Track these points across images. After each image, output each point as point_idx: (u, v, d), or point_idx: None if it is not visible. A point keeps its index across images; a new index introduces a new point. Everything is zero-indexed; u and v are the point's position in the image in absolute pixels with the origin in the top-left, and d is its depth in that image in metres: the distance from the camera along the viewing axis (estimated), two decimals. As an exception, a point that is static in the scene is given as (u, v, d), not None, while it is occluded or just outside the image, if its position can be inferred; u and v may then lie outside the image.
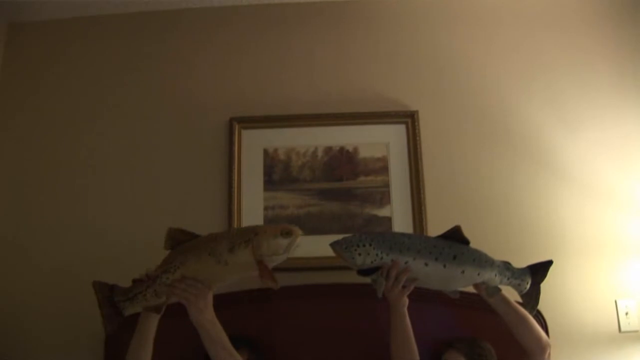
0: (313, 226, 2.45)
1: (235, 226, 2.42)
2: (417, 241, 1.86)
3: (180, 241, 1.79)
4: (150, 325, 1.80)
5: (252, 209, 2.48)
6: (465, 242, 1.88)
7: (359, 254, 1.79)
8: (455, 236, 1.88)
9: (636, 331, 2.31)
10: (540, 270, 1.95)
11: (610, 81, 2.61)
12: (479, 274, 1.84)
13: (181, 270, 1.73)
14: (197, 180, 2.53)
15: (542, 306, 2.10)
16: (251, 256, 1.69)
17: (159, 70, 2.69)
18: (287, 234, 1.71)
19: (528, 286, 1.92)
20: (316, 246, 2.25)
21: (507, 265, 1.92)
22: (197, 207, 2.48)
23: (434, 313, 2.19)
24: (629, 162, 2.50)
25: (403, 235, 1.97)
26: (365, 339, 2.19)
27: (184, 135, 2.59)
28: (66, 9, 2.71)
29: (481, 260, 1.86)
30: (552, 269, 1.97)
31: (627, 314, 2.32)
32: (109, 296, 1.79)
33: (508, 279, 1.90)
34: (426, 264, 1.80)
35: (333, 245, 1.84)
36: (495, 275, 1.87)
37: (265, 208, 2.49)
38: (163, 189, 2.52)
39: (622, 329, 2.31)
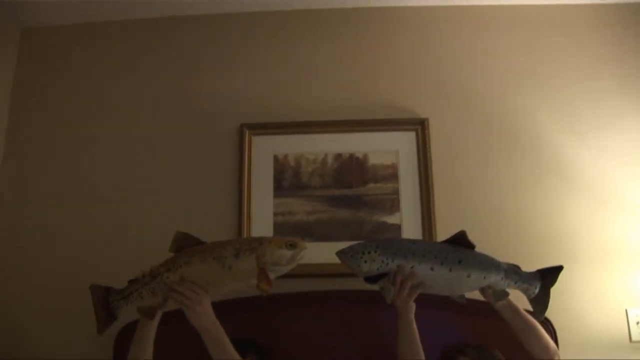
0: (322, 233, 2.46)
1: (245, 232, 2.44)
2: (422, 246, 1.88)
3: (185, 245, 1.82)
4: (149, 331, 1.82)
5: (262, 214, 2.49)
6: (471, 247, 1.88)
7: (365, 261, 1.81)
8: (460, 241, 1.88)
9: (647, 341, 2.29)
10: (550, 275, 1.94)
11: (620, 88, 2.60)
12: (484, 278, 1.84)
13: (183, 270, 1.76)
14: (207, 185, 2.55)
15: (551, 315, 2.11)
16: (254, 263, 1.72)
17: (171, 76, 2.72)
18: (292, 246, 1.75)
19: (537, 290, 1.91)
20: (326, 253, 2.22)
21: (515, 269, 1.92)
22: (207, 213, 2.49)
23: (443, 320, 2.19)
24: (638, 168, 2.49)
25: (408, 240, 1.99)
26: (374, 345, 2.19)
27: (194, 141, 2.61)
28: (77, 15, 2.75)
29: (487, 263, 1.86)
30: (561, 276, 1.96)
31: (638, 323, 2.29)
32: (104, 297, 1.85)
33: (515, 282, 1.89)
34: (432, 269, 1.81)
35: (339, 254, 1.86)
36: (502, 278, 1.87)
37: (275, 214, 2.50)
38: (173, 194, 2.54)
39: (633, 338, 2.29)
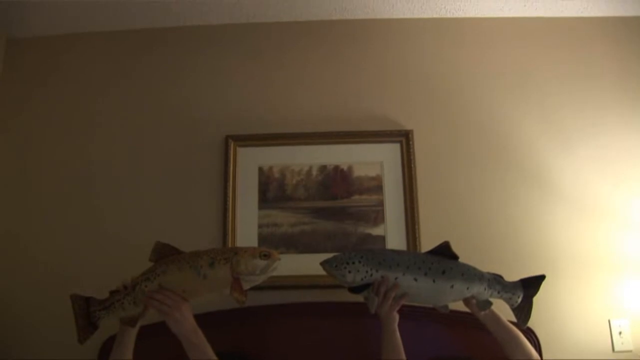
0: (306, 244, 2.46)
1: (230, 244, 2.44)
2: (406, 257, 1.89)
3: (164, 255, 1.85)
4: (128, 340, 1.83)
5: (247, 226, 2.49)
6: (454, 257, 1.90)
7: (349, 272, 1.82)
8: (444, 252, 1.90)
9: (630, 351, 2.30)
10: (532, 284, 1.97)
11: (604, 99, 2.63)
12: (468, 288, 1.86)
13: (160, 278, 1.79)
14: (192, 197, 2.54)
15: (535, 325, 2.13)
16: (229, 273, 1.76)
17: (156, 87, 2.71)
18: (266, 256, 1.78)
19: (520, 300, 1.93)
20: (310, 264, 2.24)
21: (497, 279, 1.93)
22: (192, 224, 2.49)
23: (428, 331, 2.19)
24: (622, 179, 2.51)
25: (392, 251, 1.99)
26: (358, 356, 2.18)
27: (179, 152, 2.61)
28: (63, 25, 2.75)
29: (470, 274, 1.88)
30: (545, 287, 1.98)
31: (620, 333, 2.31)
32: (84, 307, 1.86)
33: (498, 292, 1.91)
34: (415, 279, 1.82)
35: (323, 264, 1.87)
36: (485, 288, 1.88)
37: (260, 226, 2.49)
38: (158, 206, 2.53)
39: (616, 348, 2.30)
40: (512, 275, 2.00)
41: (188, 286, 1.78)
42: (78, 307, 1.86)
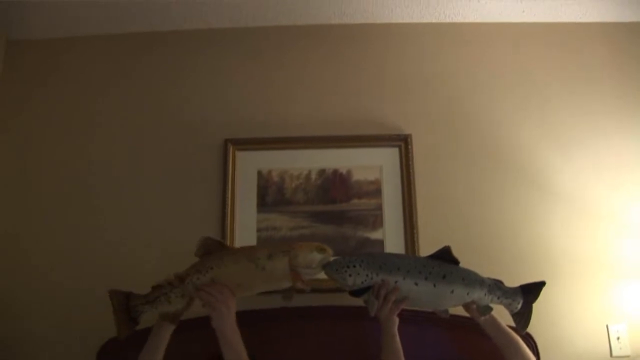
0: (305, 248, 2.45)
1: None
2: (407, 261, 1.89)
3: (211, 250, 1.87)
4: (164, 335, 1.82)
5: (246, 230, 2.49)
6: (455, 262, 1.90)
7: (350, 275, 1.81)
8: (445, 256, 1.90)
9: (628, 356, 2.31)
10: (532, 290, 1.96)
11: (603, 103, 2.64)
12: (468, 294, 1.86)
13: (214, 272, 1.80)
14: (191, 201, 2.54)
15: (533, 330, 2.12)
16: (287, 265, 1.78)
17: (155, 89, 2.72)
18: (322, 250, 1.82)
19: (519, 306, 1.93)
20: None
21: (498, 285, 1.93)
22: (191, 228, 2.47)
23: (428, 335, 2.20)
24: (621, 184, 2.52)
25: (393, 255, 2.00)
26: (358, 359, 2.18)
27: (178, 156, 2.61)
28: (63, 27, 2.75)
29: (470, 279, 1.88)
30: (544, 292, 1.97)
31: (618, 338, 2.32)
32: (124, 303, 1.85)
33: (499, 298, 1.91)
34: (416, 284, 1.82)
35: (324, 267, 1.86)
36: (485, 294, 1.88)
37: (259, 229, 2.49)
38: (158, 207, 2.53)
39: (614, 353, 2.31)
40: (511, 278, 1.99)
41: (244, 279, 1.80)
42: (117, 303, 1.84)
